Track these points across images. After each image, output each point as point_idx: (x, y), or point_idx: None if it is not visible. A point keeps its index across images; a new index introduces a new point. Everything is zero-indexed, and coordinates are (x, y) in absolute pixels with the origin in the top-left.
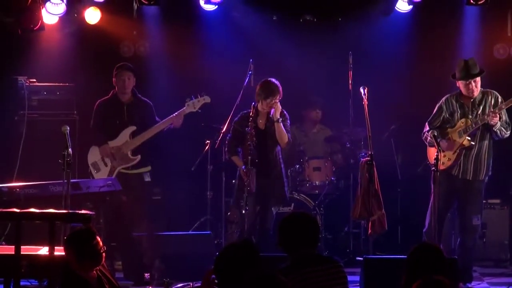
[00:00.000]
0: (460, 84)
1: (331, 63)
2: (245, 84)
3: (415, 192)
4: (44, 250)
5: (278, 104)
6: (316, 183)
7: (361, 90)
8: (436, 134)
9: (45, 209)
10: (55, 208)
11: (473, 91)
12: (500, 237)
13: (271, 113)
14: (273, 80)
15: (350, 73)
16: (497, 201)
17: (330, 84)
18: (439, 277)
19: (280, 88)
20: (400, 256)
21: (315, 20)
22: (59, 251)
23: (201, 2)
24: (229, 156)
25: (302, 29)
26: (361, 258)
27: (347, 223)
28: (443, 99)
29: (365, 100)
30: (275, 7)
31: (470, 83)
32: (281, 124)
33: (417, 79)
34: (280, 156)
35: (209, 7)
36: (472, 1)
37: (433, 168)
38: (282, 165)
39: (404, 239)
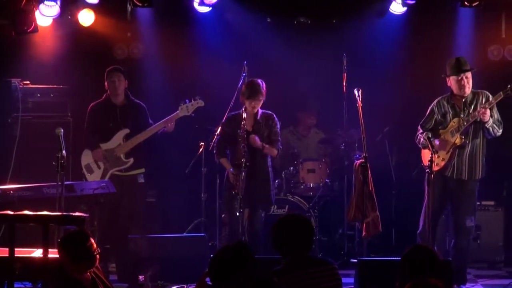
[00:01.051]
0: (452, 80)
1: (325, 65)
2: (239, 86)
3: (410, 193)
4: (38, 253)
5: (257, 139)
6: (310, 185)
7: (355, 92)
8: (430, 136)
9: (39, 211)
10: (49, 210)
11: (465, 87)
12: (495, 239)
13: (258, 116)
14: (258, 80)
15: (344, 75)
16: (491, 203)
17: (324, 86)
18: (432, 280)
19: (263, 89)
20: (395, 258)
21: (309, 22)
22: (53, 253)
23: (195, 4)
24: (218, 158)
25: (296, 31)
26: (356, 260)
27: (342, 225)
28: (435, 101)
29: (359, 102)
30: (269, 9)
31: (462, 78)
32: (266, 146)
33: (412, 81)
34: (269, 159)
35: (203, 9)
36: (466, 3)
37: (427, 170)
38: (270, 169)
39: (398, 241)
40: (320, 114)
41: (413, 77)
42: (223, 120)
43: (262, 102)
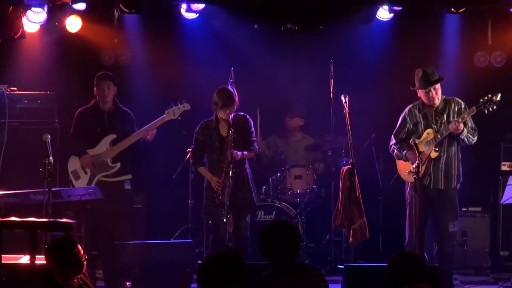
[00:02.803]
0: (421, 93)
1: (312, 71)
2: None
3: (396, 200)
4: (25, 259)
5: (238, 154)
6: (297, 191)
7: (342, 98)
8: (416, 142)
9: (26, 217)
10: (36, 216)
11: (434, 99)
12: (481, 245)
13: (231, 120)
14: (229, 88)
15: (331, 81)
16: (478, 209)
17: (311, 92)
18: (422, 285)
19: (236, 97)
20: (382, 264)
21: (296, 28)
22: (40, 260)
23: (182, 11)
24: (196, 167)
25: (283, 37)
26: (343, 266)
27: (329, 231)
28: (406, 110)
29: (346, 108)
30: (256, 16)
31: (430, 91)
32: (245, 153)
33: (398, 87)
34: (246, 162)
35: (190, 15)
36: (452, 10)
37: (414, 176)
38: (248, 171)
39: (385, 247)
40: (307, 119)
41: (400, 83)
42: (197, 129)
43: (235, 107)
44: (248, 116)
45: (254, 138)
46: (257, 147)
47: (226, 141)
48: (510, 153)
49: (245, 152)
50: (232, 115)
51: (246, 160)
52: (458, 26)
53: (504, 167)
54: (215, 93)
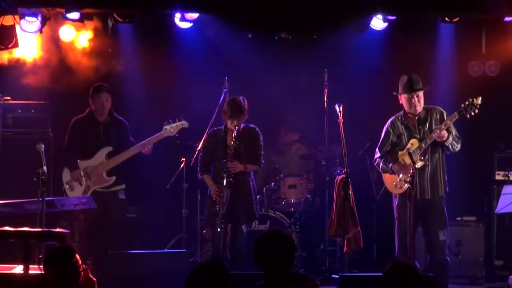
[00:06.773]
0: (403, 99)
1: (306, 80)
2: (220, 101)
3: (391, 209)
4: (18, 269)
5: (238, 165)
6: (291, 201)
7: (336, 107)
8: (411, 152)
9: (20, 227)
10: (30, 226)
11: (415, 106)
12: (476, 254)
13: (240, 130)
14: (240, 98)
15: (326, 90)
16: (472, 218)
17: (305, 101)
18: None
19: (245, 108)
20: (376, 274)
21: (290, 37)
22: (34, 270)
23: (176, 20)
24: (201, 174)
25: (277, 46)
26: (337, 276)
27: (323, 240)
28: (389, 122)
29: (340, 117)
30: (250, 25)
31: (412, 97)
32: (247, 166)
33: (392, 96)
34: (251, 174)
35: (184, 25)
36: (446, 19)
37: (409, 186)
38: (251, 183)
39: (379, 256)
40: (301, 129)
41: (394, 92)
42: (205, 137)
43: (244, 119)
44: (257, 129)
45: (261, 152)
46: (262, 161)
47: (227, 151)
48: (504, 163)
49: (247, 165)
50: (242, 126)
51: (251, 172)
52: (452, 35)
53: (498, 176)
54: (226, 103)
